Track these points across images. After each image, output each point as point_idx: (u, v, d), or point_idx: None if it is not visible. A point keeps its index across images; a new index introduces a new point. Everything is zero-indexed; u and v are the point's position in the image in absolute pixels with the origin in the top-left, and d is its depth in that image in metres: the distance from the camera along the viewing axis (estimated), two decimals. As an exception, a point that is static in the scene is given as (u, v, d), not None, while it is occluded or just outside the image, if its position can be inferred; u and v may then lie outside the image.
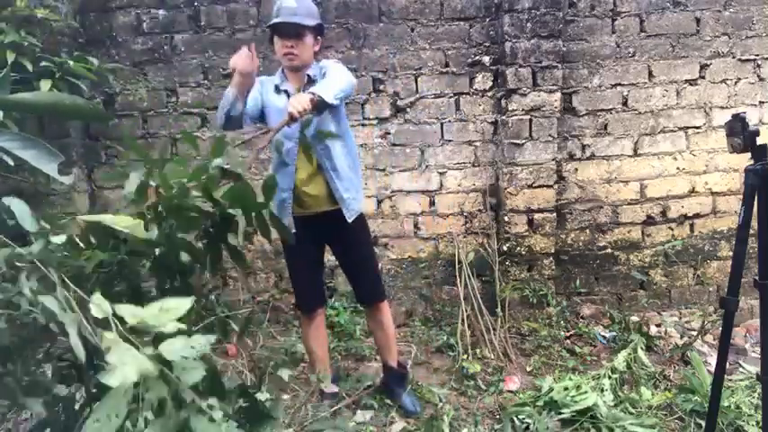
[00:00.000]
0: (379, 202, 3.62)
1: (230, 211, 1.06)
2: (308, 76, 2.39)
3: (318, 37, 2.41)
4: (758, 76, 3.62)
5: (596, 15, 3.51)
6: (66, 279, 0.87)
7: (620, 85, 3.57)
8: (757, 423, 2.33)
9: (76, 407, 1.02)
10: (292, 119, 2.02)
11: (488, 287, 3.50)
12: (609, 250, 3.71)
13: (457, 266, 3.48)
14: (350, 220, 2.44)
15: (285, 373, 2.56)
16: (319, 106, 2.11)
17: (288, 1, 2.29)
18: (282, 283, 3.63)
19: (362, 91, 3.51)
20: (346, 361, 3.18)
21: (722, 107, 3.62)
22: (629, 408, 2.56)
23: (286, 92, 2.39)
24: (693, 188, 3.69)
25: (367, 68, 3.49)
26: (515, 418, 2.48)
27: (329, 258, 2.88)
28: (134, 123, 3.49)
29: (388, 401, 2.68)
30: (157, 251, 1.03)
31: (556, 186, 3.52)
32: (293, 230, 2.42)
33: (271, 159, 2.57)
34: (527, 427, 2.43)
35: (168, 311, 0.77)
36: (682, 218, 3.71)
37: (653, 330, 3.42)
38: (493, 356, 3.11)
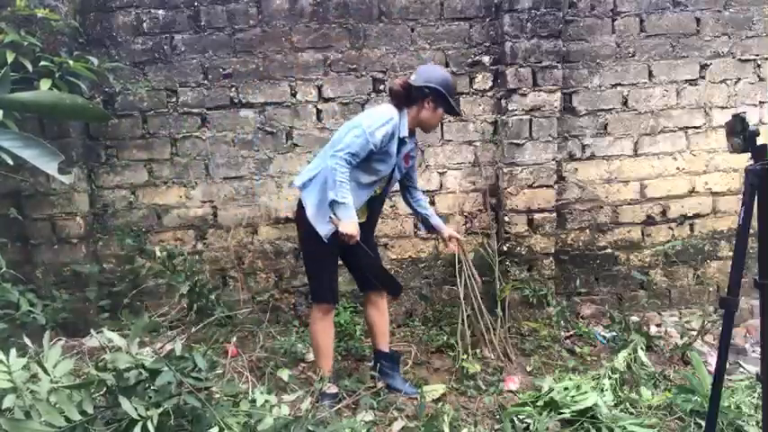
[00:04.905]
0: (379, 202, 3.62)
1: None
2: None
3: None
4: (758, 76, 3.62)
5: (596, 15, 3.52)
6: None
7: (620, 85, 3.57)
8: (757, 423, 2.32)
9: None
10: None
11: (488, 287, 3.50)
12: (609, 250, 3.71)
13: (457, 266, 3.47)
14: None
15: (285, 373, 2.56)
16: None
17: (452, 80, 2.62)
18: (282, 283, 3.63)
19: (362, 91, 3.51)
20: (346, 361, 3.18)
21: (722, 107, 3.63)
22: (629, 408, 2.56)
23: (402, 140, 2.60)
24: (693, 188, 3.69)
25: (367, 68, 3.49)
26: (515, 418, 2.47)
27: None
28: (134, 123, 3.49)
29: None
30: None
31: (556, 186, 3.52)
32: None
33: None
34: (527, 427, 2.43)
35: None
36: (682, 218, 3.71)
37: (653, 330, 3.42)
38: (493, 356, 3.11)
